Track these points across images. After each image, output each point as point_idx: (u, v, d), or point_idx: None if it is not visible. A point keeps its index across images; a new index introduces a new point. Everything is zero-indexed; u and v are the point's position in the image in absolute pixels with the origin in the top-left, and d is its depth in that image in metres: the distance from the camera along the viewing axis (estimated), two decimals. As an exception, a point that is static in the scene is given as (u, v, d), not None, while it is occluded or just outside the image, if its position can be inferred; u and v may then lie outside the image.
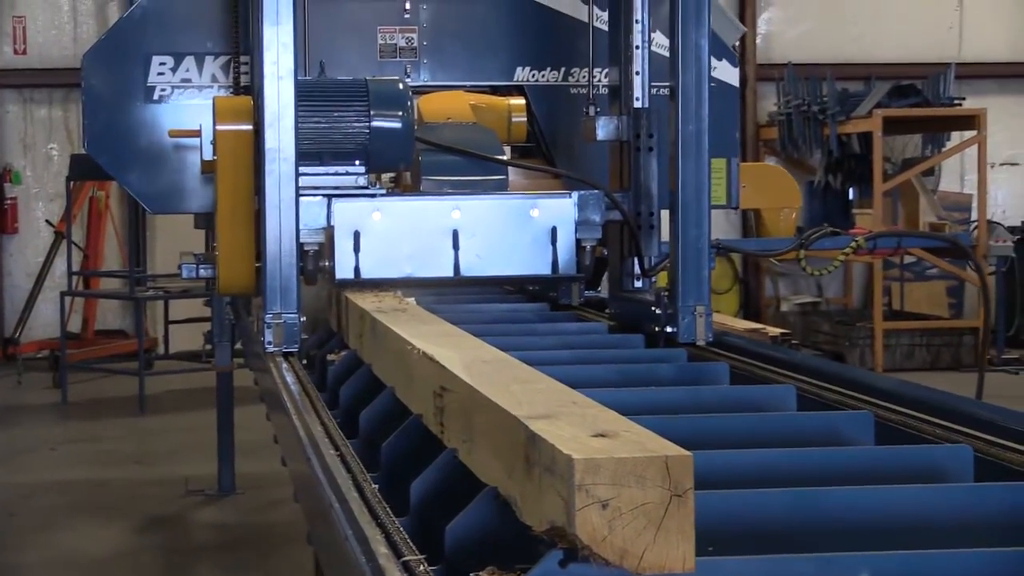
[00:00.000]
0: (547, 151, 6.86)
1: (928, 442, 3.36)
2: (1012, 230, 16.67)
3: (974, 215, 16.80)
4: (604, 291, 6.28)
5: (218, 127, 5.43)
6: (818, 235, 6.46)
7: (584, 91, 6.33)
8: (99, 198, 15.87)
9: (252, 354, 6.04)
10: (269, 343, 5.00)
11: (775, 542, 2.52)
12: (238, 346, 9.00)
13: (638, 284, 5.69)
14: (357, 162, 5.45)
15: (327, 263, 5.25)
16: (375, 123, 5.43)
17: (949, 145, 16.53)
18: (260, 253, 5.11)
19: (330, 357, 4.93)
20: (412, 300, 4.90)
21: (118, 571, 7.94)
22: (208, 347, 9.90)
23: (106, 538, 8.58)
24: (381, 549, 2.49)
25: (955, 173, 18.07)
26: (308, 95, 5.23)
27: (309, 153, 5.25)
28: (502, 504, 2.60)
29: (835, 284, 17.87)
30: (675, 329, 5.05)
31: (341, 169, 5.45)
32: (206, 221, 11.95)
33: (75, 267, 15.20)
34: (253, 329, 5.62)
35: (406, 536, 2.58)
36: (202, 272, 6.02)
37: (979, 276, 8.88)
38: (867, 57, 17.96)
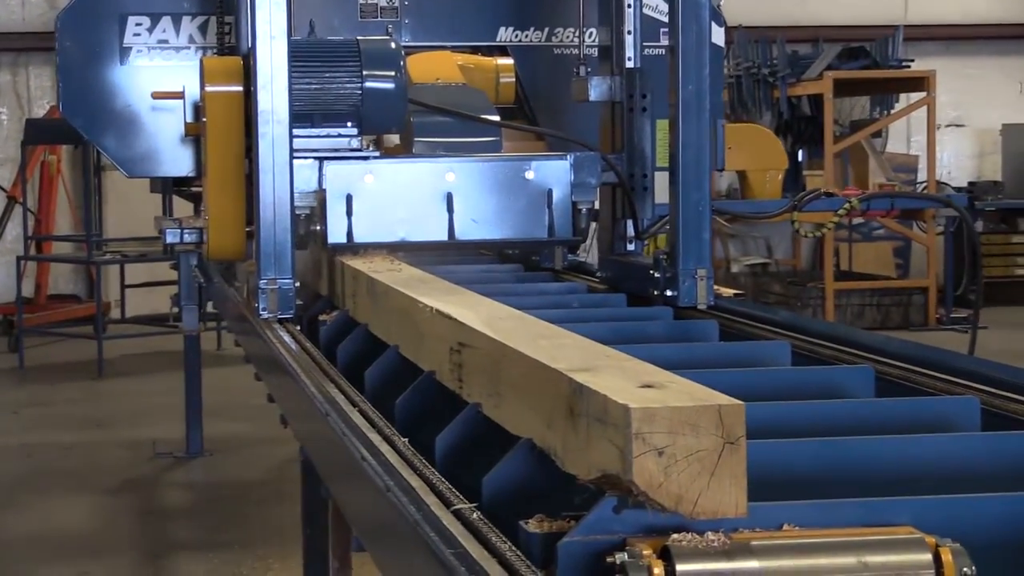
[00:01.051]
0: (530, 113, 6.80)
1: (933, 394, 3.45)
2: (958, 190, 16.87)
3: (921, 176, 16.99)
4: (582, 255, 6.29)
5: (207, 88, 5.35)
6: (811, 197, 6.48)
7: (569, 52, 6.38)
8: (51, 163, 15.80)
9: (236, 318, 5.96)
10: (264, 309, 4.91)
11: (806, 490, 2.59)
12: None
13: (630, 247, 5.64)
14: (349, 124, 5.36)
15: (318, 227, 5.17)
16: (367, 84, 5.34)
17: (898, 107, 16.69)
18: (253, 217, 5.03)
19: (321, 318, 4.97)
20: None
21: (96, 533, 7.99)
22: (175, 310, 9.93)
23: (80, 501, 8.63)
24: (431, 498, 2.55)
25: (902, 135, 18.26)
26: (298, 56, 5.11)
27: (300, 115, 5.14)
28: (539, 455, 2.68)
29: (784, 245, 18.01)
30: (675, 293, 4.98)
31: (333, 131, 5.35)
32: (163, 185, 11.98)
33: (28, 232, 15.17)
34: (243, 294, 5.55)
35: (450, 486, 2.64)
36: (187, 237, 6.01)
37: (971, 236, 8.84)
38: (816, 20, 18.10)
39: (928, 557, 2.15)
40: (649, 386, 2.37)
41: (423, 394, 3.57)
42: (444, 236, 5.23)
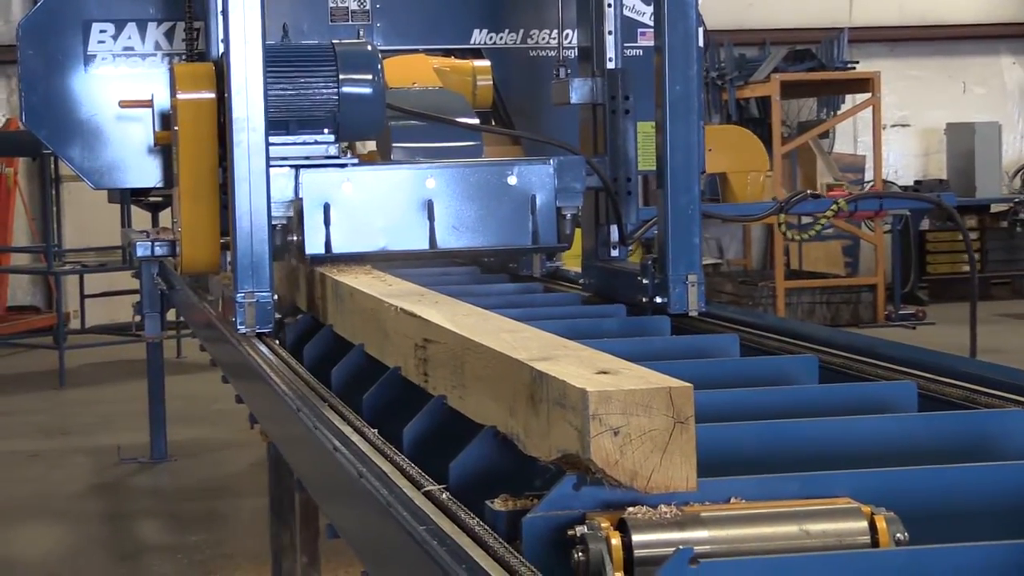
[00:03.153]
0: (505, 116, 6.67)
1: (873, 380, 3.64)
2: (904, 189, 17.12)
3: (867, 175, 17.23)
4: (559, 261, 6.18)
5: (179, 95, 5.20)
6: (798, 199, 6.41)
7: (544, 54, 6.28)
8: (7, 175, 15.86)
9: (210, 331, 5.78)
10: (242, 324, 4.74)
11: (753, 468, 2.76)
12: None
13: (614, 253, 5.52)
14: (326, 130, 5.18)
15: (295, 238, 4.99)
16: (344, 89, 5.16)
17: (844, 108, 16.93)
18: (227, 229, 4.89)
19: (286, 320, 5.03)
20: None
21: (64, 536, 8.11)
22: (138, 318, 10.05)
23: (47, 506, 8.72)
24: (402, 482, 2.72)
25: (848, 135, 18.51)
26: (272, 60, 4.92)
27: (275, 122, 4.94)
28: (501, 440, 2.85)
29: (735, 245, 18.22)
30: (665, 299, 4.85)
31: (309, 138, 5.17)
32: (121, 196, 12.06)
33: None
34: (218, 308, 5.42)
35: (420, 470, 2.81)
36: (157, 250, 5.91)
37: (963, 234, 8.74)
38: (762, 23, 18.32)
39: (864, 525, 2.33)
40: (605, 372, 2.56)
41: (388, 389, 3.72)
42: (425, 245, 5.06)
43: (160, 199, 12.01)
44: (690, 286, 4.83)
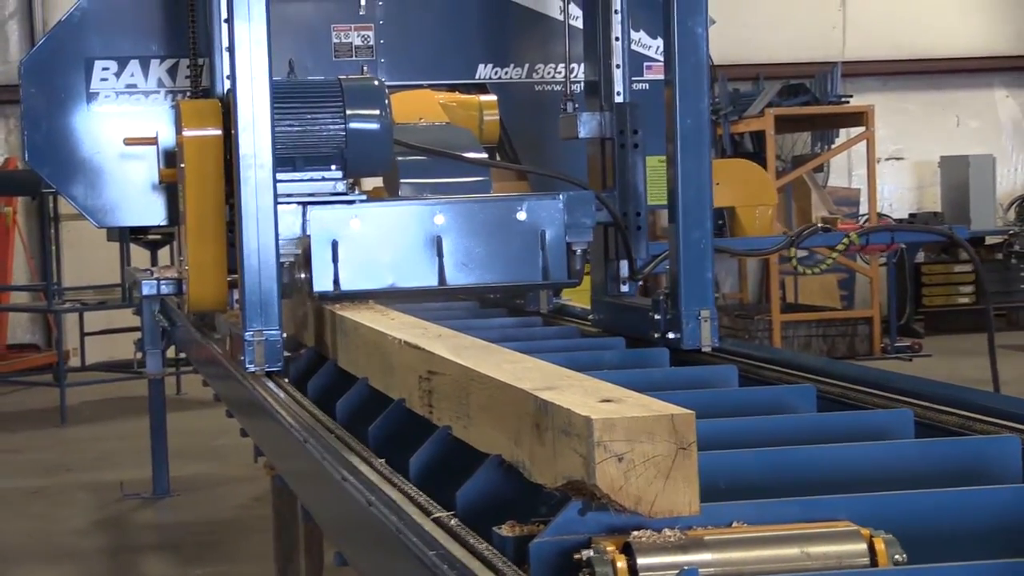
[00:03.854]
0: (511, 151, 6.64)
1: (871, 408, 3.70)
2: (899, 222, 17.20)
3: (862, 208, 17.31)
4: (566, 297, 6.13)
5: (185, 132, 5.15)
6: (809, 232, 6.33)
7: (550, 88, 6.28)
8: (6, 214, 15.94)
9: (210, 363, 5.81)
10: (251, 363, 4.70)
11: (753, 494, 2.83)
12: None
13: (624, 288, 5.50)
14: (333, 167, 5.13)
15: (303, 275, 4.96)
16: (351, 124, 5.12)
17: (838, 142, 17.01)
18: (235, 266, 4.85)
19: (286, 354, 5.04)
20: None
21: (71, 572, 8.14)
22: (139, 355, 10.10)
23: (51, 541, 8.76)
24: (412, 509, 2.78)
25: (843, 169, 18.61)
26: (278, 97, 4.87)
27: (282, 159, 4.90)
28: (506, 469, 2.92)
29: (731, 279, 18.28)
30: (678, 335, 4.81)
31: (316, 175, 5.12)
32: (120, 234, 12.10)
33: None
34: (226, 347, 5.40)
35: (428, 498, 2.87)
36: (163, 289, 5.92)
37: (975, 265, 8.61)
38: (756, 58, 18.42)
39: (863, 547, 2.40)
40: (608, 400, 2.62)
41: (393, 420, 3.79)
42: (434, 281, 5.02)
43: (159, 237, 12.12)
44: (703, 321, 4.79)
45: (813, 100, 16.31)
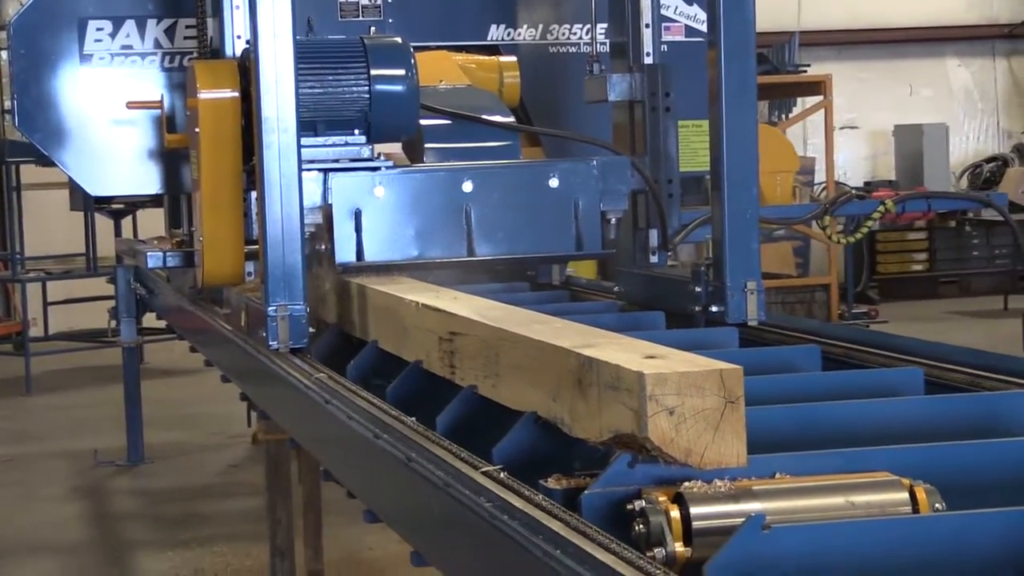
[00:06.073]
0: (525, 115, 6.34)
1: (881, 367, 3.79)
2: (855, 190, 17.33)
3: (818, 177, 17.43)
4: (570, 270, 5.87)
5: (201, 95, 4.81)
6: (843, 200, 6.18)
7: (566, 50, 6.04)
8: (-34, 184, 15.87)
9: (221, 340, 5.37)
10: (274, 340, 4.37)
11: (783, 448, 2.91)
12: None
13: (654, 259, 5.20)
14: (357, 131, 4.84)
15: (324, 246, 4.71)
16: (376, 86, 4.83)
17: (796, 111, 17.13)
18: (255, 237, 4.60)
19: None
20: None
21: (51, 536, 8.17)
22: (114, 323, 10.11)
23: (30, 508, 8.80)
24: (459, 463, 2.85)
25: (798, 138, 18.73)
26: (298, 57, 4.49)
27: (303, 123, 4.53)
28: (542, 425, 2.98)
29: (688, 248, 18.36)
30: (721, 308, 4.54)
31: (339, 140, 4.83)
32: (85, 203, 12.01)
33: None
34: (240, 322, 5.02)
35: (471, 453, 2.94)
36: (170, 261, 5.67)
37: (1011, 229, 8.32)
38: (714, 27, 18.50)
39: (905, 495, 2.48)
40: (652, 356, 2.69)
41: (411, 381, 3.83)
42: (463, 252, 4.76)
43: (122, 206, 12.03)
44: (749, 294, 4.53)
45: (772, 69, 16.40)
